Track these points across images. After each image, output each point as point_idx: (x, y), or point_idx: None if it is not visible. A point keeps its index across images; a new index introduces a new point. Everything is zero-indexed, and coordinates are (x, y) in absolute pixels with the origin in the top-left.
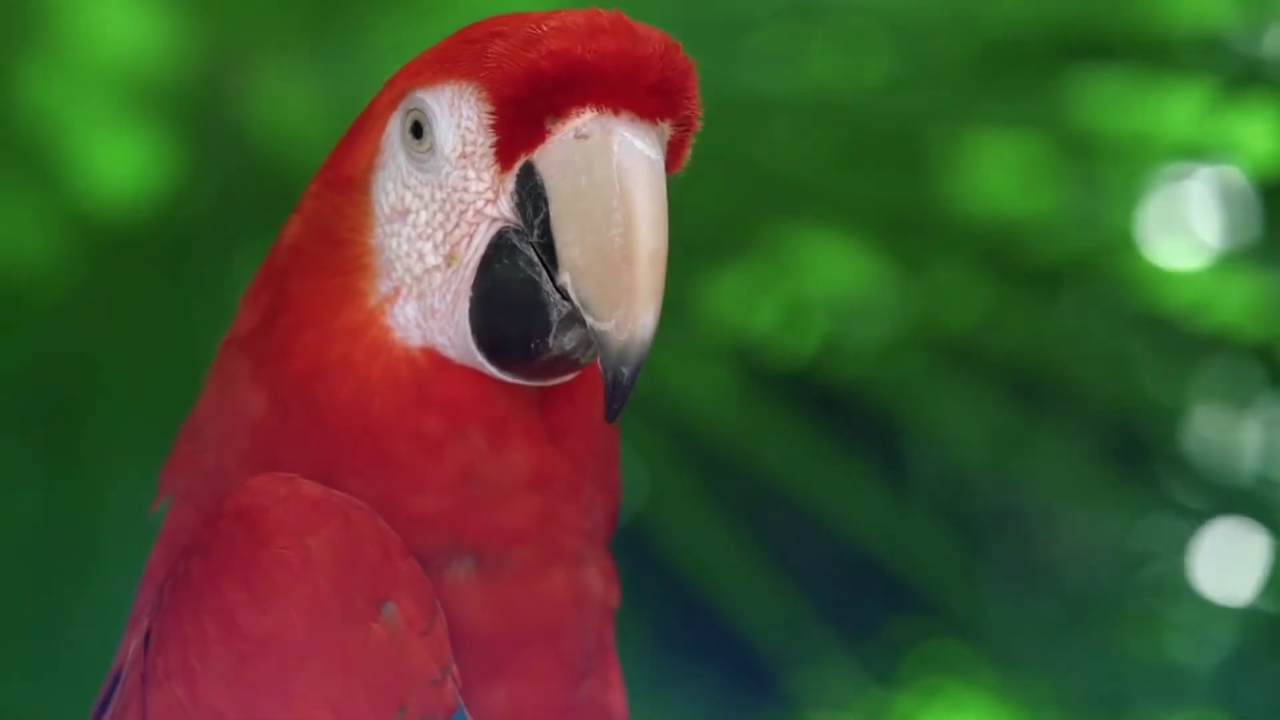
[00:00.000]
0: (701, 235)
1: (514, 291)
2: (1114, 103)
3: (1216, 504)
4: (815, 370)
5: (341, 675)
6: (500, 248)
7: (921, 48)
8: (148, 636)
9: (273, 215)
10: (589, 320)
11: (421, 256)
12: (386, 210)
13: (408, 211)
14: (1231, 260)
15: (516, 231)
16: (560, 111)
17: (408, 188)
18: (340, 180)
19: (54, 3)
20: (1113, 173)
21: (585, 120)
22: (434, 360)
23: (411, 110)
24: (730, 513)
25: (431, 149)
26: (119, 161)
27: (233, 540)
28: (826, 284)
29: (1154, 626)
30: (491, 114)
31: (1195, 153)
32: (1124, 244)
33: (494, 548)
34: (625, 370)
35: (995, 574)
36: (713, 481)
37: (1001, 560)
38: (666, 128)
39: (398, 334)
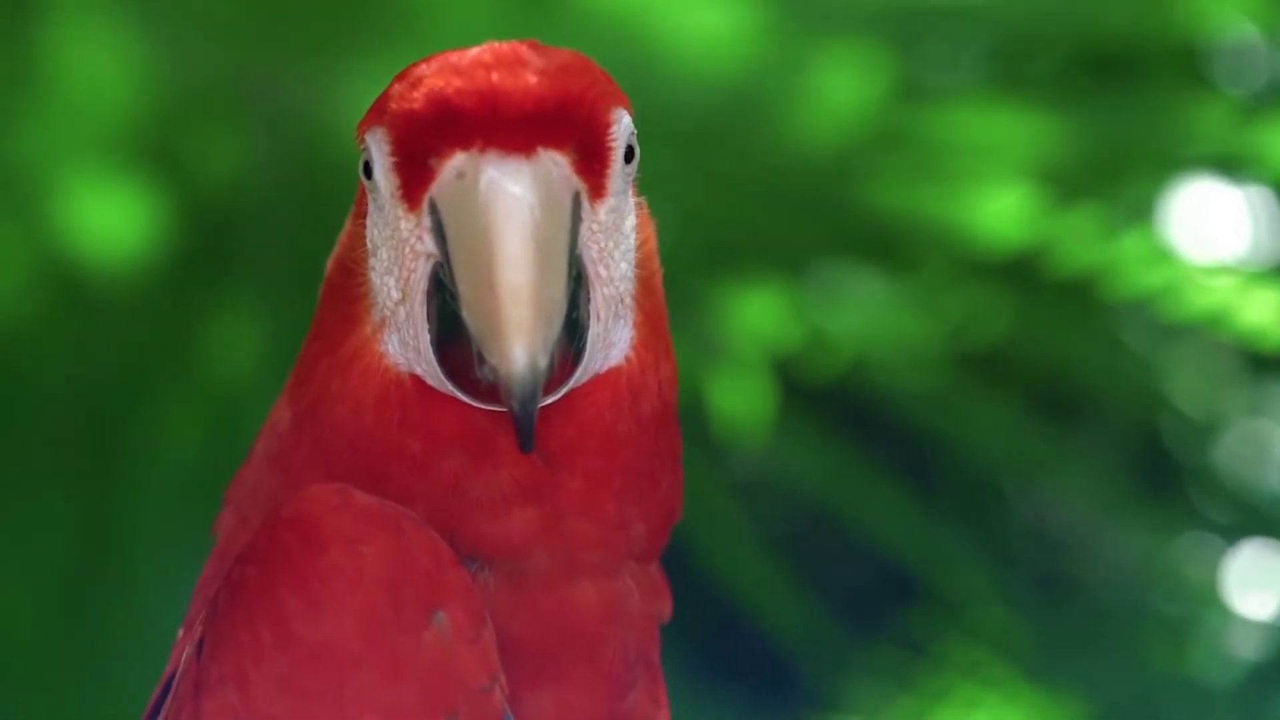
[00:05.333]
0: (733, 251)
1: (447, 325)
2: (1140, 115)
3: (1246, 521)
4: (846, 385)
5: (393, 682)
6: (436, 283)
7: (942, 60)
8: (200, 643)
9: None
10: (484, 354)
11: (389, 292)
12: (369, 245)
13: (377, 249)
14: (1260, 274)
15: (443, 266)
16: (439, 152)
17: (374, 225)
18: (356, 212)
19: (43, 47)
20: (1139, 185)
21: (463, 159)
22: (418, 386)
23: (361, 151)
24: (761, 524)
25: (376, 189)
26: (114, 207)
27: (287, 548)
28: (856, 300)
29: (1181, 641)
30: (391, 156)
31: (1222, 165)
32: (1152, 257)
33: (493, 557)
34: (514, 404)
35: (1024, 587)
36: (744, 494)
37: (1030, 573)
38: (559, 157)
39: (389, 360)
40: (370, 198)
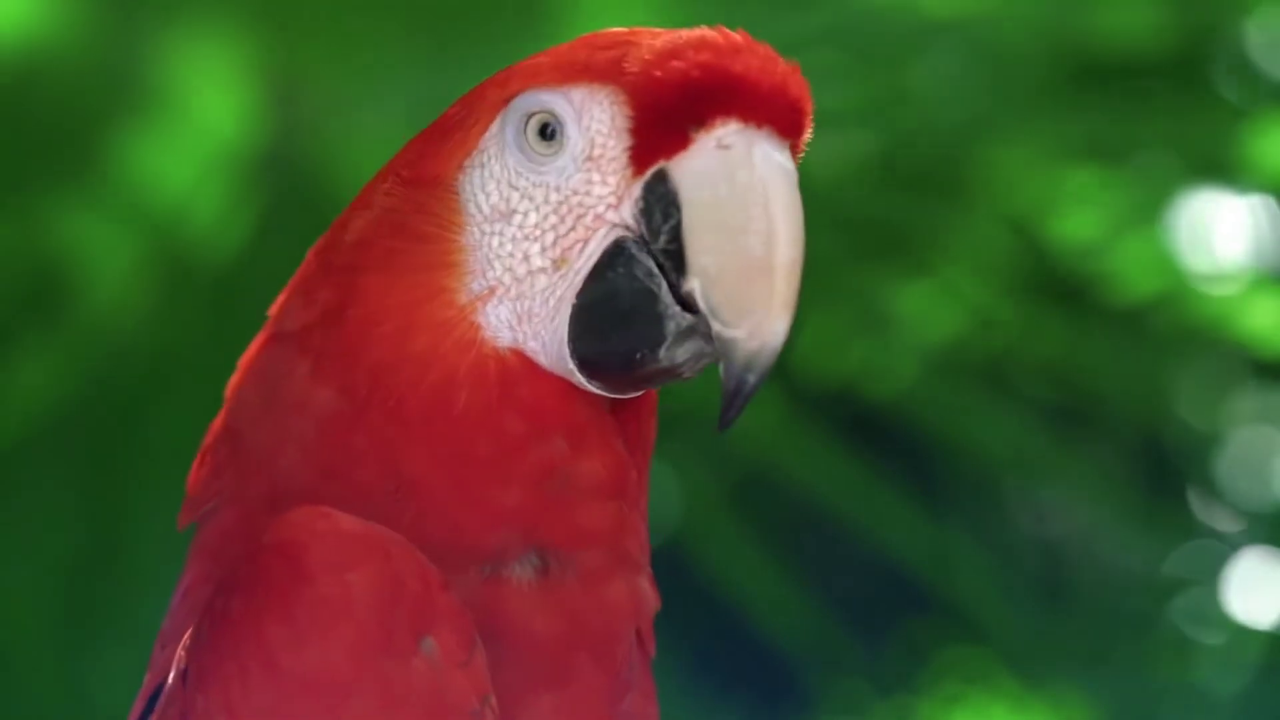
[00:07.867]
0: None
1: (626, 301)
2: (1143, 122)
3: (1248, 528)
4: (851, 391)
5: (383, 710)
6: (616, 255)
7: (953, 72)
8: (186, 671)
9: None
10: (717, 327)
11: (527, 258)
12: (486, 210)
13: (513, 212)
14: (1262, 281)
15: (636, 240)
16: (704, 121)
17: (515, 188)
18: (424, 178)
19: (158, 79)
20: (1142, 193)
21: (729, 131)
22: (523, 362)
23: (537, 112)
24: (764, 529)
25: (558, 151)
26: (206, 207)
27: (273, 576)
28: (860, 306)
29: (1183, 648)
30: (631, 119)
31: (1225, 173)
32: (1155, 265)
33: (566, 549)
34: (750, 378)
35: (1026, 593)
36: (747, 499)
37: (1032, 579)
38: (793, 143)
39: (487, 333)
40: (515, 158)
